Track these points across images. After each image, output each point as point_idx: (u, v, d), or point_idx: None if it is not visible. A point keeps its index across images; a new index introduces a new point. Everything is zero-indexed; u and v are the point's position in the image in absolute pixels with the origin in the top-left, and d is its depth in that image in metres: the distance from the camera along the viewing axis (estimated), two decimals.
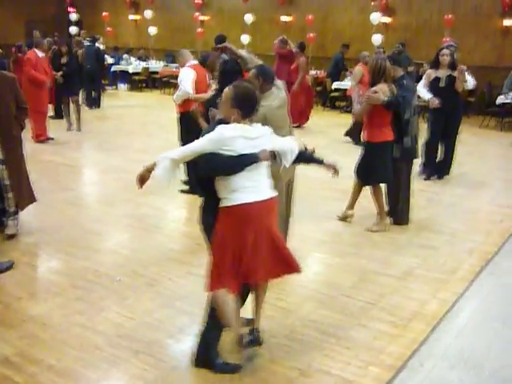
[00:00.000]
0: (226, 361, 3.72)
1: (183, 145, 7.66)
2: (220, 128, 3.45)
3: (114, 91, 18.63)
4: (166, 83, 17.77)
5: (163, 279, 5.00)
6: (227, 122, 3.52)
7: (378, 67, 5.97)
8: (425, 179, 8.24)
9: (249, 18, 17.66)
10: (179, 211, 7.20)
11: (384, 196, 6.41)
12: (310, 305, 4.60)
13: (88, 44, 15.37)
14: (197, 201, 7.35)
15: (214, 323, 3.66)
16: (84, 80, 13.59)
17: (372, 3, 15.51)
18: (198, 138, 3.66)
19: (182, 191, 7.47)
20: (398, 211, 6.51)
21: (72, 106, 11.85)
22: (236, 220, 3.51)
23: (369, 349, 3.97)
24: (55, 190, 7.60)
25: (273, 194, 3.61)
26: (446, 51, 7.92)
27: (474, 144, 11.16)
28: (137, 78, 18.79)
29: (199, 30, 19.07)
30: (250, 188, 3.49)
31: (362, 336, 4.13)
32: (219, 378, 3.62)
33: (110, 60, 18.50)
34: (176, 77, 17.27)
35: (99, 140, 11.07)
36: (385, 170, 6.18)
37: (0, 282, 4.90)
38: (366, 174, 6.26)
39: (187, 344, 4.02)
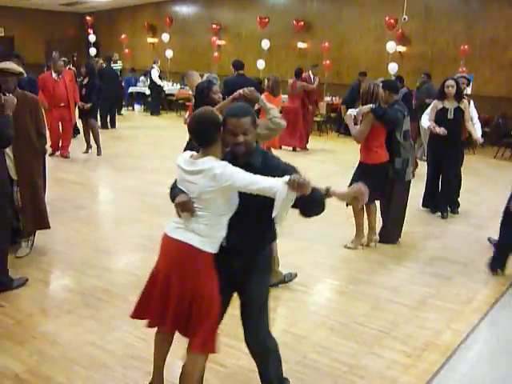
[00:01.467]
0: None
1: None
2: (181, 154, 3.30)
3: (130, 112, 18.78)
4: (182, 105, 17.90)
5: None
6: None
7: (370, 91, 6.22)
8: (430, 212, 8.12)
9: (265, 43, 17.83)
10: None
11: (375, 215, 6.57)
12: (322, 331, 4.55)
13: (106, 65, 15.63)
14: None
15: None
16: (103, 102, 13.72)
17: (388, 32, 15.62)
18: None
19: None
20: (388, 230, 6.71)
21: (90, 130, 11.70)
22: (159, 249, 3.33)
23: (382, 378, 3.91)
24: (69, 208, 7.63)
25: (186, 239, 3.11)
26: (450, 82, 7.62)
27: (489, 174, 11.11)
28: None
29: (216, 54, 19.27)
30: (174, 221, 3.23)
31: (374, 365, 4.08)
32: None
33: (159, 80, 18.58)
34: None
35: (114, 160, 11.14)
36: (373, 191, 6.30)
37: (12, 298, 4.90)
38: None
39: None
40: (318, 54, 17.07)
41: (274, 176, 2.93)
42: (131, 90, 19.14)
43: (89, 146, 11.66)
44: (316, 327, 4.63)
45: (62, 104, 10.66)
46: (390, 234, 6.69)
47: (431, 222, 7.59)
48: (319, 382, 3.84)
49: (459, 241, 7.00)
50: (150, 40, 21.78)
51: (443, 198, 8.00)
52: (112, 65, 16.90)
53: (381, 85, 6.35)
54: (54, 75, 10.62)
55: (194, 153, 3.17)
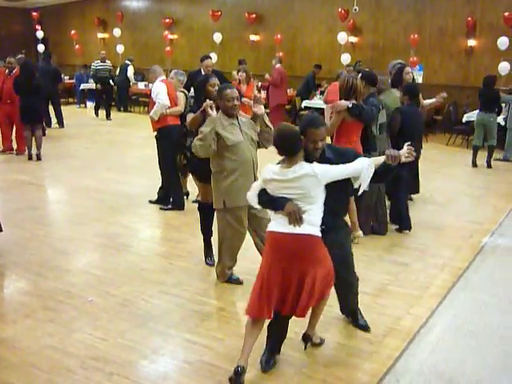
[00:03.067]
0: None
1: (163, 163, 7.72)
2: (265, 168, 3.78)
3: (82, 109, 18.50)
4: (135, 101, 17.71)
5: (136, 299, 4.92)
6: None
7: (348, 85, 6.01)
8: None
9: (217, 36, 17.75)
10: (150, 230, 7.13)
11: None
12: None
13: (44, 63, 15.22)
14: (168, 220, 7.28)
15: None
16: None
17: (340, 23, 15.74)
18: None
19: (151, 201, 7.85)
20: (380, 224, 6.78)
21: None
22: (268, 246, 3.78)
23: (345, 366, 3.96)
24: (23, 210, 7.46)
25: (305, 231, 3.63)
26: (409, 69, 7.80)
27: (442, 161, 11.33)
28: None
29: (168, 48, 19.09)
30: (281, 219, 3.66)
31: (338, 353, 4.13)
32: None
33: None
34: (146, 95, 17.21)
35: (68, 159, 10.93)
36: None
37: None
38: None
39: (161, 365, 3.97)
40: (271, 47, 17.09)
41: (348, 160, 3.75)
42: (83, 86, 18.78)
43: (29, 153, 10.81)
44: None
45: (9, 101, 10.76)
46: (382, 226, 6.80)
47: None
48: (283, 372, 3.85)
49: (416, 227, 7.10)
50: (100, 35, 21.43)
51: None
52: (99, 64, 16.46)
53: (359, 77, 6.21)
54: (6, 71, 10.88)
55: (275, 166, 3.74)
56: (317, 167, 3.63)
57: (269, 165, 3.75)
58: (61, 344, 4.18)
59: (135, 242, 6.49)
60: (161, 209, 7.59)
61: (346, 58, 15.44)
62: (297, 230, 3.61)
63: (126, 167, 10.08)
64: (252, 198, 3.90)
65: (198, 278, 5.41)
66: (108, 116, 16.36)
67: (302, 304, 3.67)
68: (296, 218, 3.58)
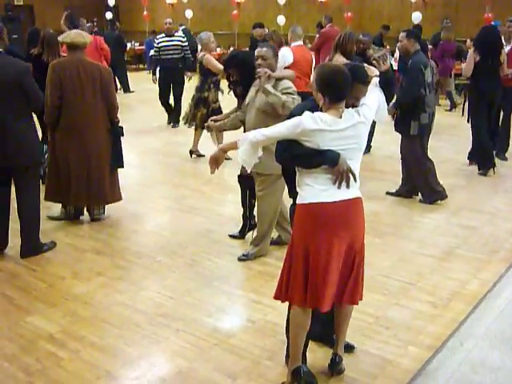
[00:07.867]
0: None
1: None
2: (303, 116, 2.99)
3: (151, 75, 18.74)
4: None
5: (202, 260, 5.05)
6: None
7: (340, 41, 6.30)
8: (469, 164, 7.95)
9: None
10: (216, 193, 7.22)
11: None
12: None
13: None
14: (235, 183, 7.34)
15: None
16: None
17: None
18: None
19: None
20: (418, 187, 6.51)
21: None
22: (307, 221, 3.11)
23: (408, 328, 3.94)
24: None
25: (354, 193, 3.11)
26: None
27: None
28: None
29: (235, 12, 18.99)
30: (322, 186, 3.05)
31: (400, 316, 4.11)
32: (256, 360, 3.65)
33: None
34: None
35: (136, 123, 11.13)
36: None
37: (44, 263, 5.02)
38: None
39: (226, 322, 4.10)
40: (340, 7, 16.74)
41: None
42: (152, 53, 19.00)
43: None
44: None
45: None
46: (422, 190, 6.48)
47: (457, 173, 7.51)
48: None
49: (485, 190, 6.92)
50: (169, 1, 21.54)
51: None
52: (162, 39, 10.72)
53: (405, 35, 6.25)
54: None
55: (321, 114, 3.02)
56: (361, 112, 3.10)
57: (309, 113, 3.00)
58: (130, 301, 4.35)
59: (201, 204, 6.61)
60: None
61: (417, 17, 14.96)
62: (349, 194, 3.06)
63: (193, 131, 10.20)
64: (250, 157, 3.10)
65: None
66: (175, 124, 10.88)
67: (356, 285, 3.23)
68: (348, 177, 3.02)
